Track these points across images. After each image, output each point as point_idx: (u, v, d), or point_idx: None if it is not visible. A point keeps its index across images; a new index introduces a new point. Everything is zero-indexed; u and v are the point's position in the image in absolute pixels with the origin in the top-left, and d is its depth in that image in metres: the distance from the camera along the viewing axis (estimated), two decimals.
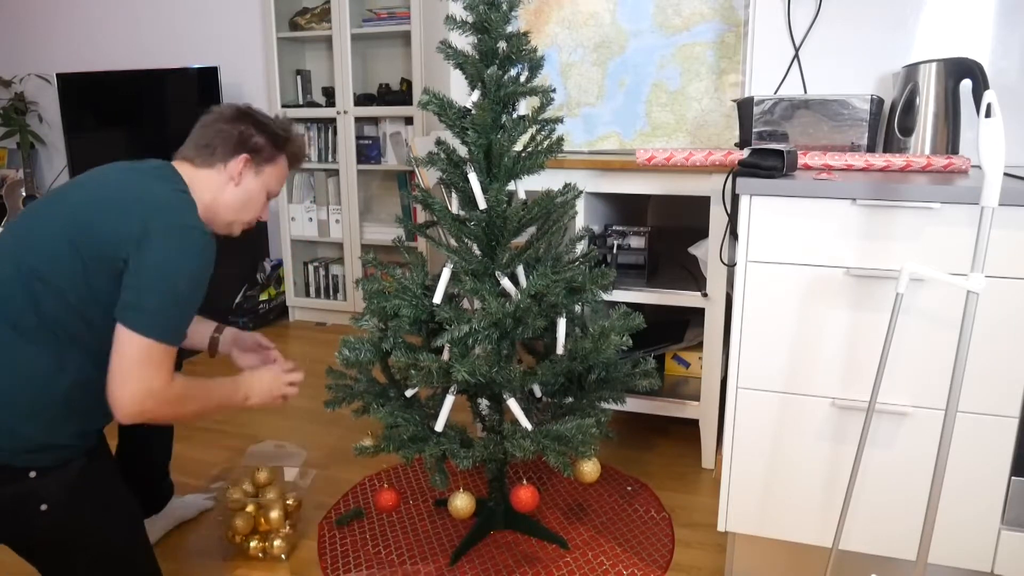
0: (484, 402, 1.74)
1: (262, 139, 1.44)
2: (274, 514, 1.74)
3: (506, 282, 1.61)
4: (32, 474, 1.24)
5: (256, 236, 3.75)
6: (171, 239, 1.26)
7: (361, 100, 3.39)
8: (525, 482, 1.66)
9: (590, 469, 1.64)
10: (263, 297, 3.69)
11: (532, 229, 1.67)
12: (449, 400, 1.61)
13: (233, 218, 1.46)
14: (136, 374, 1.21)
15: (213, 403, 1.42)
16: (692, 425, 2.45)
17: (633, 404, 2.20)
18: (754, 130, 1.95)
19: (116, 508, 1.39)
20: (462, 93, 3.29)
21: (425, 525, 1.87)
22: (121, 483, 1.42)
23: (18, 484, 1.24)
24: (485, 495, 1.95)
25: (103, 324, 1.24)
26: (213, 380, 1.43)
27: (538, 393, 1.76)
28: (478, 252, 1.63)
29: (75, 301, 1.24)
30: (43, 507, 1.26)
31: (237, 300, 3.58)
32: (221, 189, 1.42)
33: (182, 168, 1.41)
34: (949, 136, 1.89)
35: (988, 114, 1.07)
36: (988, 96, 1.08)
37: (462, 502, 1.63)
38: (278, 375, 1.56)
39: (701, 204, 2.75)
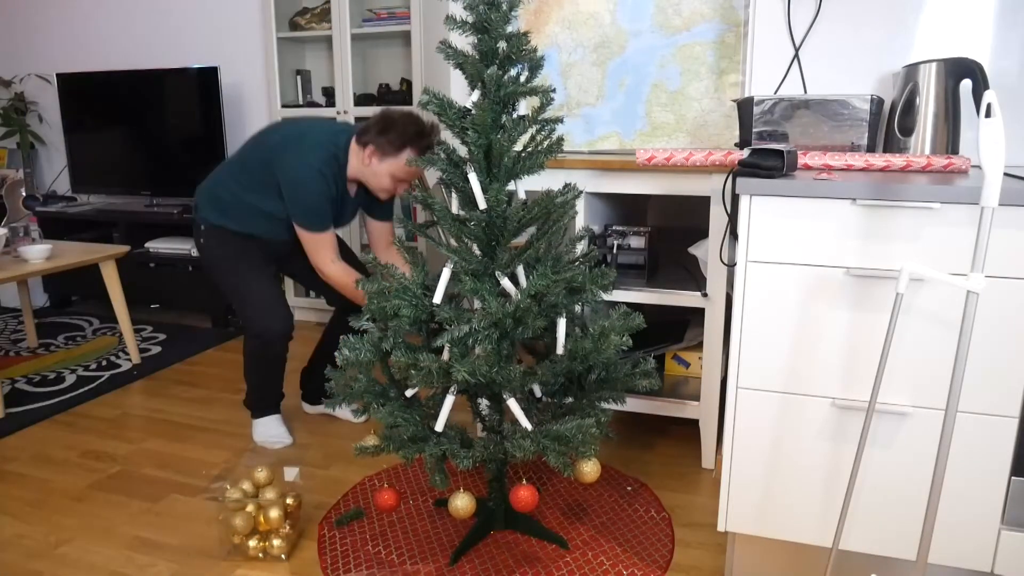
0: (484, 402, 1.74)
1: (385, 140, 2.04)
2: (274, 514, 1.74)
3: (506, 282, 1.61)
4: (203, 226, 2.25)
5: None
6: (291, 170, 2.08)
7: (361, 100, 3.39)
8: (525, 482, 1.66)
9: (590, 469, 1.64)
10: None
11: (532, 229, 1.67)
12: (449, 400, 1.61)
13: (373, 185, 2.13)
14: (312, 249, 2.14)
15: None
16: (692, 425, 2.45)
17: (633, 404, 2.20)
18: (754, 130, 1.95)
19: (234, 261, 2.24)
20: (462, 93, 3.30)
21: (425, 525, 1.87)
22: (252, 258, 2.27)
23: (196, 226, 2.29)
24: (485, 495, 1.95)
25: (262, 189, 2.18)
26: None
27: (538, 393, 1.76)
28: (478, 252, 1.63)
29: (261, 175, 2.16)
30: (202, 240, 2.27)
31: None
32: (361, 163, 2.11)
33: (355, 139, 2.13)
34: (949, 136, 1.89)
35: (988, 114, 1.07)
36: (988, 96, 1.08)
37: (462, 502, 1.63)
38: None
39: (701, 204, 2.75)
